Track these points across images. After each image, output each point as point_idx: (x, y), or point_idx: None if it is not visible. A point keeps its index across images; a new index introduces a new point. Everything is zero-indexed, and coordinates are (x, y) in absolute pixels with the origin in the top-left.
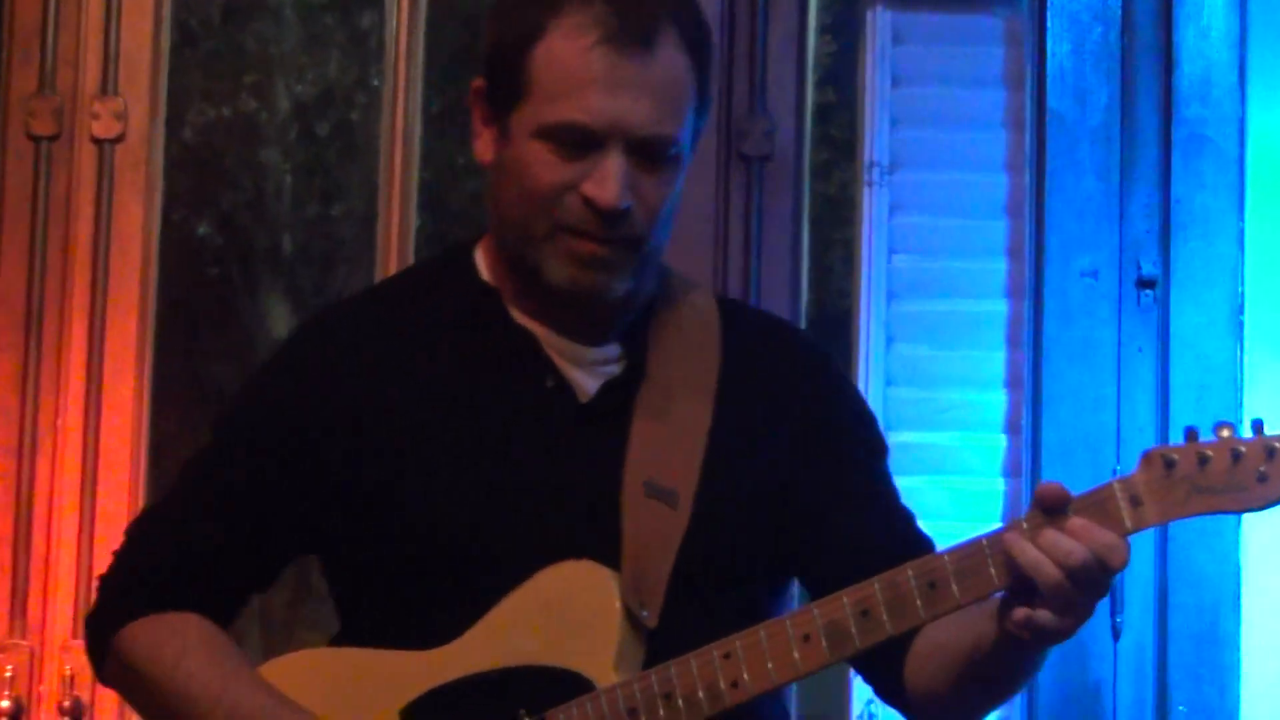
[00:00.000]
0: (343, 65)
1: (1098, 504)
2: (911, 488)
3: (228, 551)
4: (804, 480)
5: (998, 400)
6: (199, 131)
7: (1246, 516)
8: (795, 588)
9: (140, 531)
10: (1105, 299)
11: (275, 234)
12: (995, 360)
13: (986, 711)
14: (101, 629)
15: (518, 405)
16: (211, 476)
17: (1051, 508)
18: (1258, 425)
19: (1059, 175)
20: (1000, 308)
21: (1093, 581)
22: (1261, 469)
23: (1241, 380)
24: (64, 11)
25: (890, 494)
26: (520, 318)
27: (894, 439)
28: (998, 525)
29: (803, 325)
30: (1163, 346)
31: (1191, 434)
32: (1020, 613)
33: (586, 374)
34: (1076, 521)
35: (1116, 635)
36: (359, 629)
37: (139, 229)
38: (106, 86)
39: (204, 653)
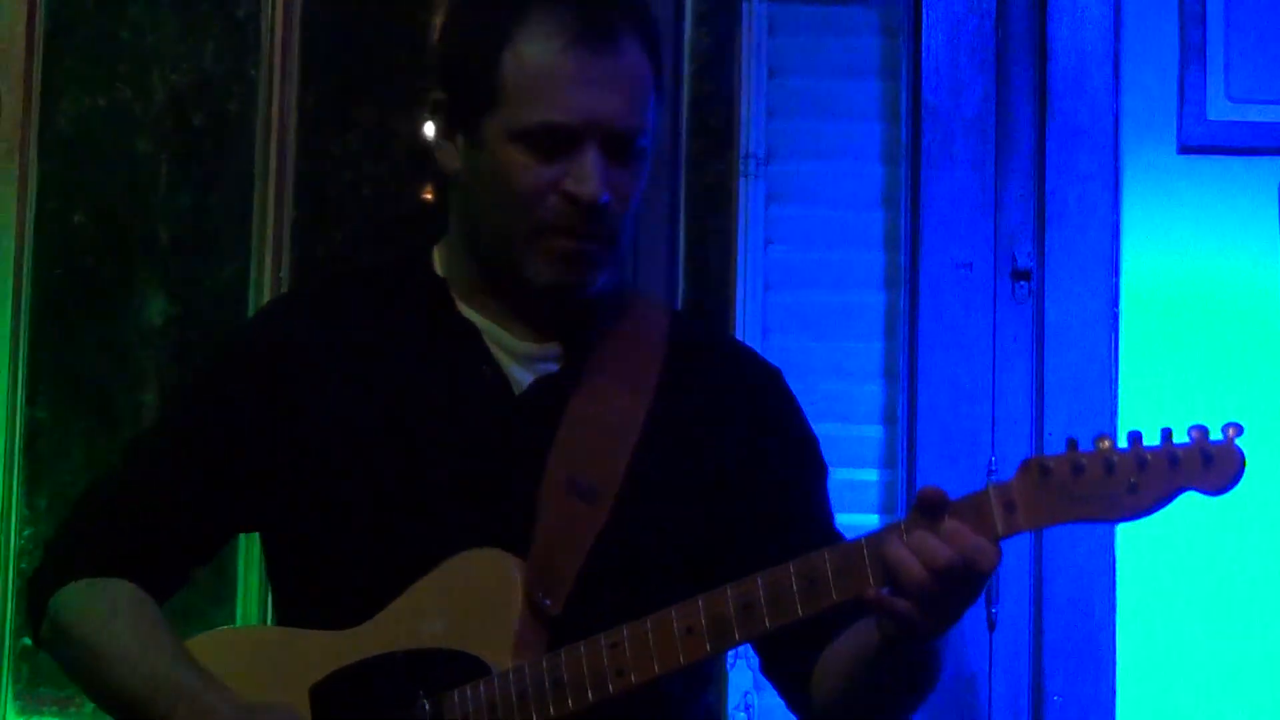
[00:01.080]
0: (219, 55)
1: (973, 508)
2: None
3: (170, 524)
4: (734, 494)
5: (874, 391)
6: (73, 120)
7: None
8: None
9: (86, 502)
10: (981, 290)
11: (151, 224)
12: (872, 351)
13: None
14: (39, 591)
15: (451, 393)
16: (158, 450)
17: (930, 510)
18: (1134, 437)
19: (934, 167)
20: (876, 299)
21: (961, 582)
22: (1132, 480)
23: (1116, 372)
24: None
25: (823, 517)
26: (466, 310)
27: None
28: (874, 516)
29: None
30: (1038, 338)
31: (1071, 443)
32: (881, 597)
33: (524, 369)
34: (949, 524)
35: (992, 626)
36: (288, 609)
37: (13, 218)
38: None
39: (131, 618)
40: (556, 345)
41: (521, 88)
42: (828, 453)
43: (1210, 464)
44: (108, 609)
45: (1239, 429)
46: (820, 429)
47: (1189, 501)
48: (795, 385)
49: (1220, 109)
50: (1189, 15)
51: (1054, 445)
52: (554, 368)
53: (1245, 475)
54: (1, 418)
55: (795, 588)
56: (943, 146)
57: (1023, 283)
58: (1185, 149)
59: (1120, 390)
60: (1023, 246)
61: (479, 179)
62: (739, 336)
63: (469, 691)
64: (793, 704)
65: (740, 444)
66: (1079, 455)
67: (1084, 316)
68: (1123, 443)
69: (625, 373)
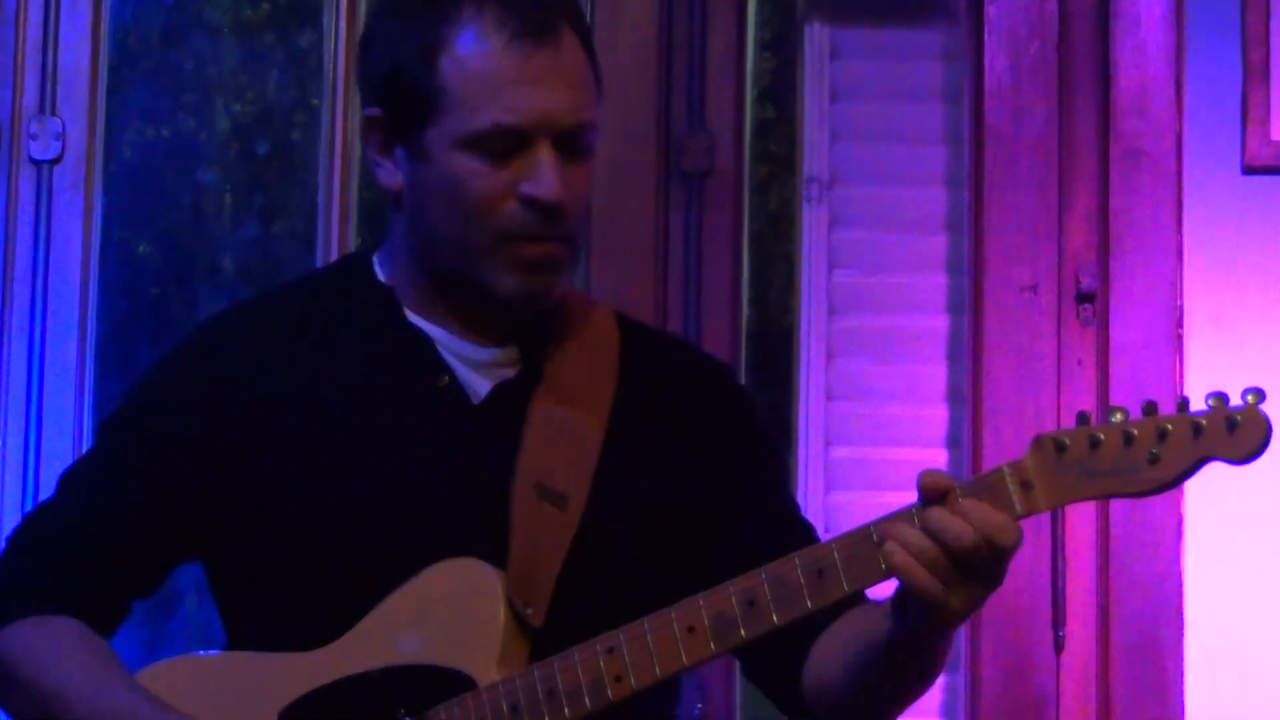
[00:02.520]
0: (281, 85)
1: (987, 488)
2: (852, 503)
3: (111, 556)
4: (700, 493)
5: (938, 415)
6: (138, 151)
7: (1189, 526)
8: None
9: (22, 537)
10: (1044, 313)
11: (215, 253)
12: (935, 375)
13: (885, 713)
14: None
15: (409, 405)
16: (99, 479)
17: (934, 498)
18: (1150, 408)
19: (997, 190)
20: (940, 323)
21: (983, 563)
22: (1153, 451)
23: (1181, 393)
24: (1, 31)
25: (788, 508)
26: (416, 319)
27: (834, 454)
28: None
29: (743, 341)
30: (1102, 360)
31: (1084, 417)
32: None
33: (481, 376)
34: (966, 503)
35: (1059, 648)
36: (245, 635)
37: (78, 249)
38: (44, 106)
39: (80, 656)
40: (512, 350)
41: (464, 93)
42: (892, 477)
43: (1235, 430)
44: (56, 650)
45: (1262, 394)
46: (884, 453)
47: (1257, 520)
48: (860, 410)
49: None
50: (1251, 36)
51: None
52: (511, 373)
53: None
54: (68, 448)
55: (803, 580)
56: (1006, 170)
57: (1087, 305)
58: (1249, 169)
59: None
60: (1087, 269)
61: (427, 193)
62: (803, 362)
63: (455, 708)
64: (784, 704)
65: (703, 444)
66: (1094, 429)
67: (1148, 338)
68: (1137, 414)
69: (583, 375)
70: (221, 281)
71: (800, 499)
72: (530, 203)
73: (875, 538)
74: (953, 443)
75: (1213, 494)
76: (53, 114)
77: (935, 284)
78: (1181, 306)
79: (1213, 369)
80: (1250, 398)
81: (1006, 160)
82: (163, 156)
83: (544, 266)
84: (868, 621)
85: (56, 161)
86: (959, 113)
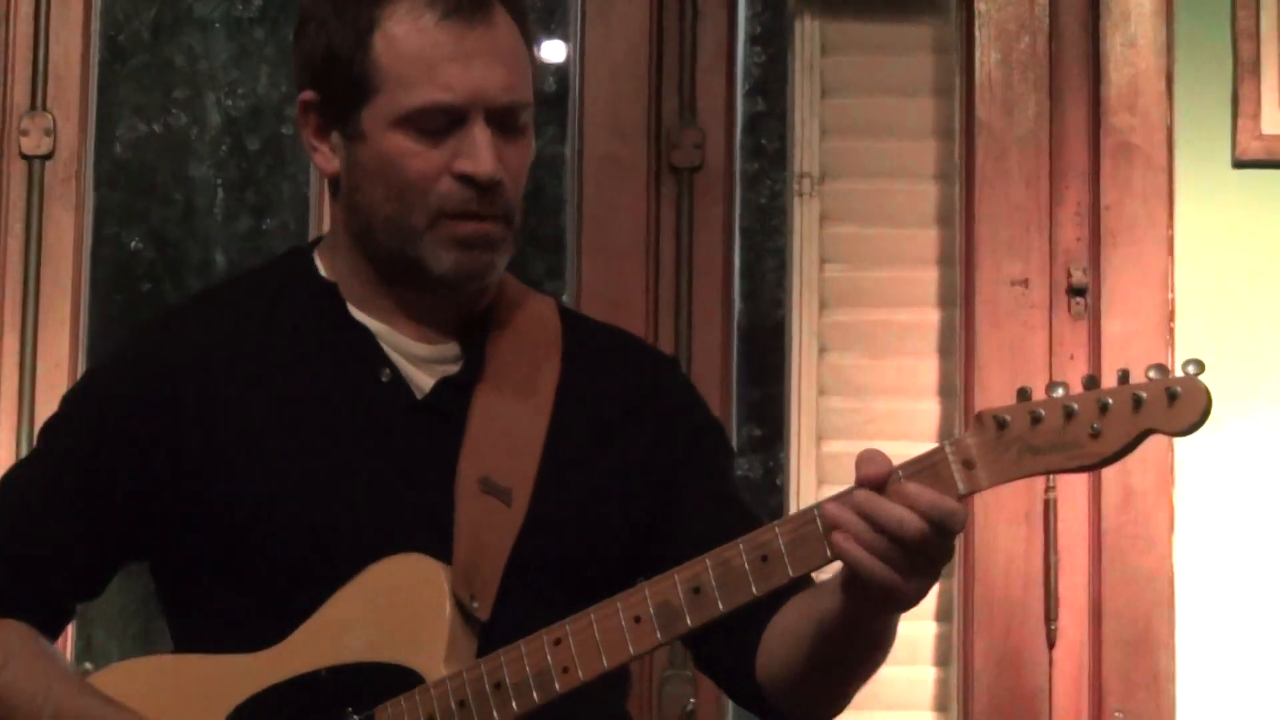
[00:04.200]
0: (273, 80)
1: (929, 468)
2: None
3: (54, 558)
4: (645, 483)
5: (930, 409)
6: (129, 147)
7: (1181, 520)
8: None
9: None
10: (1036, 307)
11: (207, 248)
12: (927, 369)
13: (842, 694)
14: None
15: (351, 400)
16: (39, 481)
17: (875, 476)
18: (1088, 380)
19: (988, 184)
20: (931, 317)
21: (930, 546)
22: (1095, 425)
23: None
24: None
25: (736, 497)
26: (358, 314)
27: (826, 449)
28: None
29: (735, 336)
30: (1094, 354)
31: (1024, 393)
32: (856, 552)
33: (424, 371)
34: (910, 487)
35: (1051, 642)
36: (191, 637)
37: (70, 244)
38: (36, 102)
39: (25, 659)
40: (454, 345)
41: (398, 71)
42: None
43: (1175, 402)
44: (1, 653)
45: (1200, 365)
46: (874, 446)
47: (1249, 513)
48: (851, 404)
49: (1274, 122)
50: (1241, 30)
51: None
52: (454, 368)
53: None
54: None
55: (747, 566)
56: (996, 163)
57: (1078, 299)
58: (1239, 163)
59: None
60: (1078, 262)
61: (364, 174)
62: (794, 356)
63: (403, 704)
64: (738, 694)
65: (648, 433)
66: (1035, 404)
67: (1140, 332)
68: (1077, 388)
69: (526, 369)
70: (213, 276)
71: (792, 494)
72: (465, 180)
73: (819, 523)
74: (944, 437)
75: (1204, 488)
76: (44, 110)
77: (926, 278)
78: (1173, 300)
79: (1205, 363)
80: (1190, 368)
81: (997, 154)
82: (154, 152)
83: (480, 244)
84: (815, 604)
85: (48, 157)
86: (950, 107)
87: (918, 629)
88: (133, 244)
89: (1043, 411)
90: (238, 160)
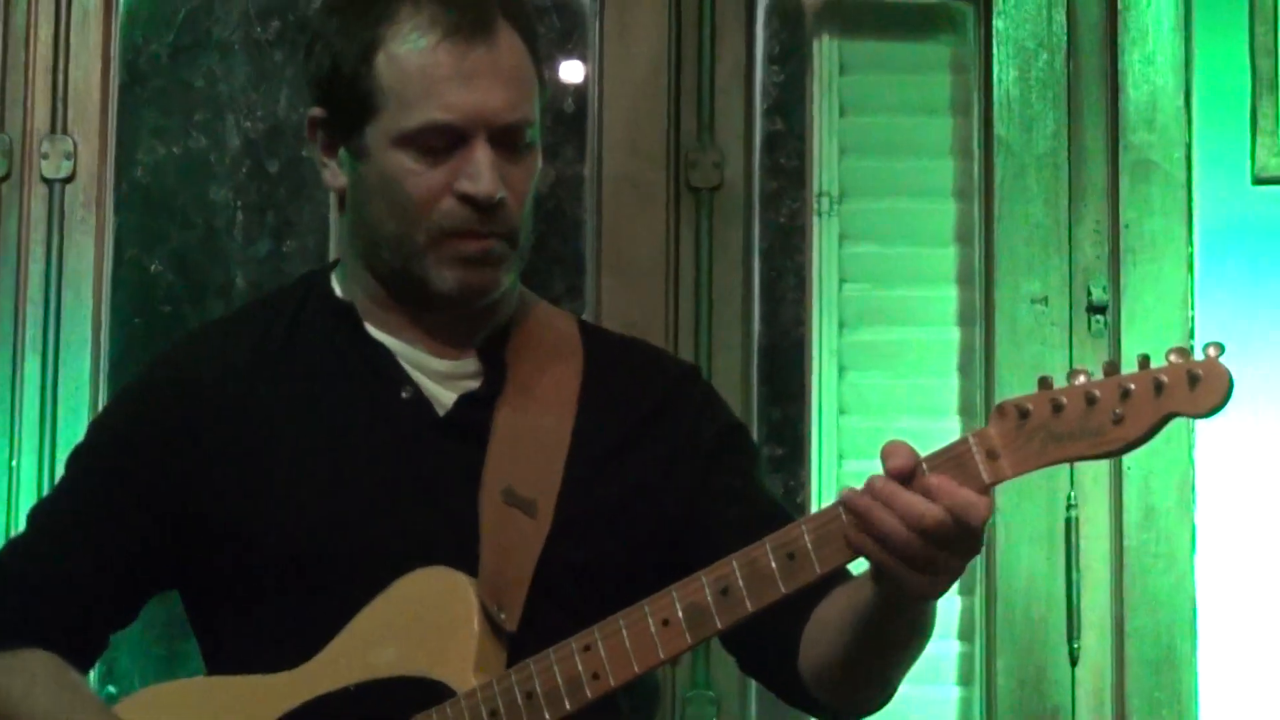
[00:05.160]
0: (292, 102)
1: (953, 460)
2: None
3: (84, 588)
4: (673, 490)
5: (951, 428)
6: (149, 170)
7: (1204, 538)
8: None
9: None
10: (1056, 325)
11: (228, 271)
12: (947, 388)
13: (885, 681)
14: None
15: (374, 418)
16: (68, 512)
17: (899, 468)
18: (1108, 366)
19: (1007, 202)
20: (951, 335)
21: (955, 539)
22: (1117, 411)
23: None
24: (11, 52)
25: (764, 497)
26: (376, 332)
27: (847, 468)
28: None
29: (755, 355)
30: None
31: (1045, 381)
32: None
33: (444, 387)
34: (933, 479)
35: (1074, 661)
36: (223, 658)
37: (90, 268)
38: (56, 126)
39: (50, 687)
40: (473, 360)
41: (400, 90)
42: None
43: (1197, 384)
44: (27, 682)
45: (1220, 347)
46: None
47: (1271, 530)
48: (872, 423)
49: None
50: (1260, 46)
51: (1134, 478)
52: (474, 383)
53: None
54: None
55: (775, 565)
56: (1015, 181)
57: (1098, 316)
58: (1259, 180)
59: (1197, 422)
60: (1097, 280)
61: (368, 191)
62: (815, 376)
63: (434, 716)
64: (783, 691)
65: (671, 440)
66: (1056, 392)
67: (1160, 349)
68: (1098, 375)
69: (547, 382)
70: (234, 299)
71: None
72: (466, 199)
73: (845, 517)
74: None
75: (1227, 505)
76: (64, 133)
77: (946, 297)
78: (1193, 317)
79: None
80: (1211, 350)
81: (1016, 172)
82: (174, 175)
83: (482, 262)
84: (851, 596)
85: (68, 181)
86: (968, 125)
87: (940, 648)
88: (153, 267)
89: (1064, 399)
90: (258, 183)
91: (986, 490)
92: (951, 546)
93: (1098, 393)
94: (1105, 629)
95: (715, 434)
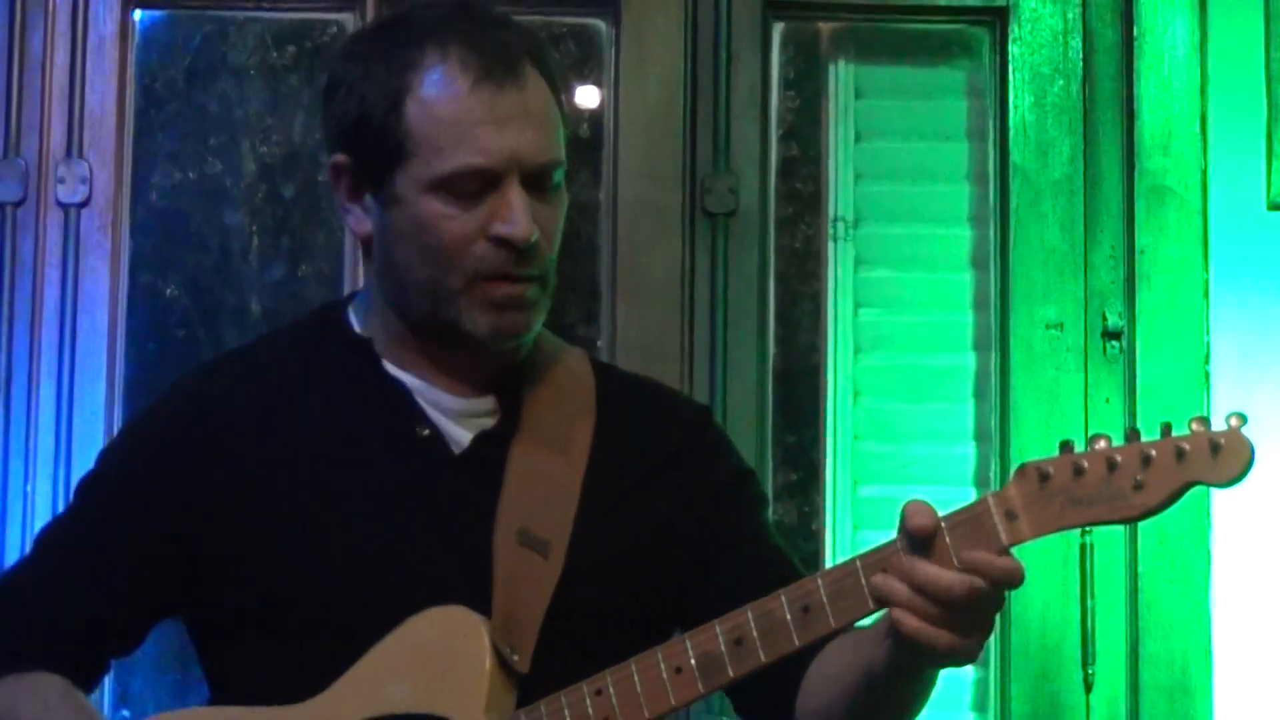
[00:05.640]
0: (307, 127)
1: (972, 520)
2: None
3: (90, 615)
4: (681, 533)
5: (965, 453)
6: (165, 194)
7: (1218, 565)
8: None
9: (1, 595)
10: (1071, 350)
11: (242, 296)
12: (963, 413)
13: None
14: None
15: (389, 455)
16: (75, 537)
17: (921, 540)
18: (1131, 433)
19: (1023, 227)
20: (967, 360)
21: (983, 603)
22: (1138, 477)
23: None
24: (28, 76)
25: (772, 544)
26: (393, 369)
27: (862, 493)
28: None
29: (770, 381)
30: (1130, 397)
31: (1067, 445)
32: (911, 623)
33: (460, 425)
34: (959, 551)
35: (1089, 688)
36: (229, 689)
37: (106, 292)
38: (72, 150)
39: (64, 712)
40: (490, 399)
41: (431, 136)
42: None
43: (1218, 454)
44: (40, 707)
45: (1242, 418)
46: (912, 492)
47: None
48: (887, 448)
49: None
50: (1275, 73)
51: None
52: (490, 422)
53: None
54: None
55: (789, 617)
56: (1031, 207)
57: (1113, 342)
58: (1274, 206)
59: None
60: (1113, 305)
61: (398, 237)
62: (830, 401)
63: None
64: None
65: (683, 483)
66: (1078, 456)
67: (1175, 375)
68: (1119, 440)
69: (561, 422)
70: (249, 324)
71: (829, 539)
72: (502, 243)
73: (862, 573)
74: (981, 481)
75: (1241, 532)
76: (80, 158)
77: (961, 322)
78: (1208, 343)
79: (1241, 405)
80: (1233, 420)
81: (1032, 198)
82: (189, 199)
83: (517, 306)
84: (858, 650)
85: (84, 205)
86: (984, 151)
87: (955, 675)
88: (168, 291)
89: (1086, 463)
90: (273, 208)
91: (1004, 551)
92: (974, 615)
93: (1119, 458)
94: (1120, 655)
95: (726, 479)
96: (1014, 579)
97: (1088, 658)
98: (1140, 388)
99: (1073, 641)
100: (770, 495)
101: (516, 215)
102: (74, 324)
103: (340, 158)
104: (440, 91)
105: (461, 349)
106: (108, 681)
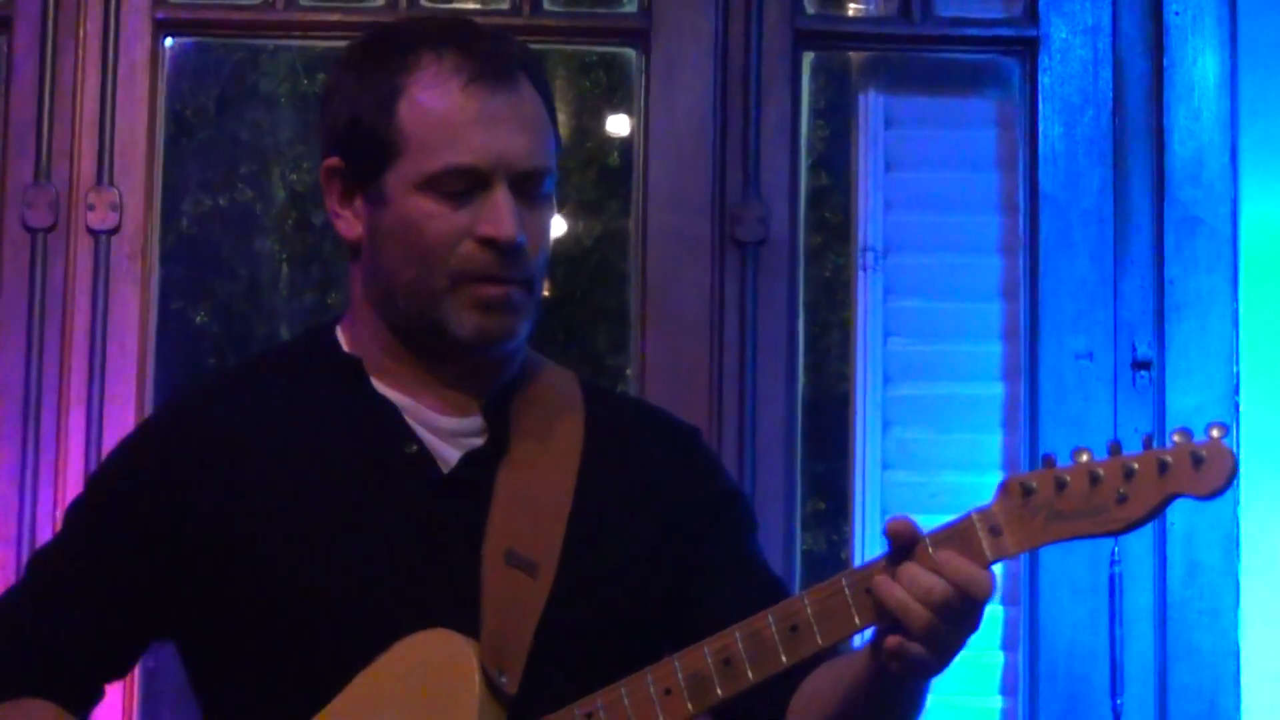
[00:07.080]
0: None
1: (957, 535)
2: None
3: (80, 640)
4: (670, 554)
5: (995, 483)
6: (195, 221)
7: (1246, 595)
8: None
9: None
10: (1101, 380)
11: (272, 323)
12: (992, 443)
13: None
14: None
15: (377, 475)
16: (64, 562)
17: (904, 544)
18: (1113, 446)
19: (1053, 257)
20: (996, 390)
21: (959, 614)
22: (1121, 490)
23: (1238, 460)
24: (59, 103)
25: (760, 567)
26: (382, 388)
27: None
28: (999, 608)
29: (799, 410)
30: (1159, 427)
31: (1048, 460)
32: (892, 641)
33: (448, 444)
34: (939, 554)
35: (1117, 717)
36: (222, 715)
37: (135, 319)
38: (102, 177)
39: None
40: (478, 418)
41: (422, 135)
42: None
43: (1201, 465)
44: None
45: (1225, 428)
46: (940, 521)
47: None
48: (916, 478)
49: None
50: None
51: (1178, 534)
52: (478, 441)
53: None
54: None
55: (777, 637)
56: (1061, 237)
57: (1143, 372)
58: None
59: (1241, 478)
60: (1142, 336)
61: (385, 238)
62: (859, 430)
63: None
64: None
65: (671, 504)
66: (1061, 471)
67: (1205, 405)
68: (1103, 454)
69: (551, 442)
70: None
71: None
72: (487, 243)
73: (848, 591)
74: None
75: (1271, 561)
76: (110, 185)
77: (991, 352)
78: (1238, 373)
79: (1271, 435)
80: (1215, 432)
81: (1062, 227)
82: (219, 226)
83: (502, 307)
84: (847, 670)
85: (114, 232)
86: (1014, 180)
87: (983, 703)
88: (198, 318)
89: (1068, 477)
90: (302, 235)
91: (988, 566)
92: (954, 622)
93: (1102, 472)
94: (1148, 685)
95: (713, 500)
96: (979, 589)
97: (1116, 688)
98: (1169, 418)
99: (1101, 671)
100: (799, 524)
101: (503, 216)
102: (104, 351)
103: (333, 161)
104: (433, 91)
105: (449, 359)
106: (136, 711)
